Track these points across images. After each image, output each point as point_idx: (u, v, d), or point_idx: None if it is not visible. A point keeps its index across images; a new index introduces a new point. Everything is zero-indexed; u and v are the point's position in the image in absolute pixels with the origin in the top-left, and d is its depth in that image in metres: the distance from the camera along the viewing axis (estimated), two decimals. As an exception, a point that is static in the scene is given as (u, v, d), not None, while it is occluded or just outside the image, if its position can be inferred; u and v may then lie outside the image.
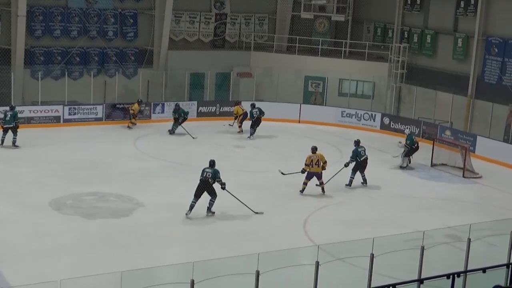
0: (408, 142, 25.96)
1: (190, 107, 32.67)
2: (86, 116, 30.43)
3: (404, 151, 26.03)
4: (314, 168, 21.76)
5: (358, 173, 23.31)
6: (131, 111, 30.30)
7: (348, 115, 33.23)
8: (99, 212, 19.37)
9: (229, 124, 30.73)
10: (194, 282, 11.40)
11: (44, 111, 29.77)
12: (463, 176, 25.34)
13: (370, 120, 32.69)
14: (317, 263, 12.53)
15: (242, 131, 30.08)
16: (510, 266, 12.61)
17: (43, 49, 32.15)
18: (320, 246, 13.12)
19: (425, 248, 13.77)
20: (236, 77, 35.59)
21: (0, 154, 24.90)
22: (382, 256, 13.24)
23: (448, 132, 29.58)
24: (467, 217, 20.03)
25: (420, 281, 12.25)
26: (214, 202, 19.43)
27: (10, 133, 25.90)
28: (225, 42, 37.36)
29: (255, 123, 29.60)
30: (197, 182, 19.49)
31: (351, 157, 23.32)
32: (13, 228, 17.78)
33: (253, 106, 29.98)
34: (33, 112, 29.30)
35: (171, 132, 29.52)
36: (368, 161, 23.46)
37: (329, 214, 20.50)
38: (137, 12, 34.11)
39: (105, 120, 30.92)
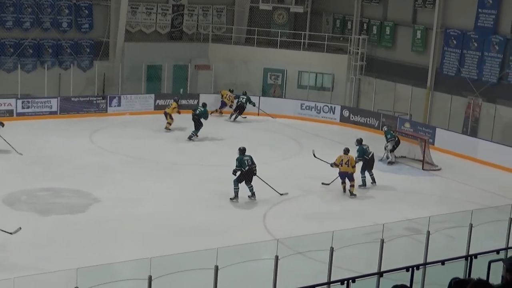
0: (388, 136, 26.07)
1: (148, 99, 32.52)
2: (40, 110, 30.05)
3: (393, 147, 26.06)
4: (344, 167, 21.68)
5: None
6: (169, 112, 29.54)
7: (307, 107, 33.35)
8: (54, 208, 19.20)
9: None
10: (152, 278, 11.35)
11: (-3, 105, 29.39)
12: (423, 169, 25.61)
13: (330, 112, 32.86)
14: (277, 257, 12.56)
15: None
16: (469, 258, 12.77)
17: (-5, 41, 31.72)
18: (279, 240, 13.16)
19: (384, 241, 13.88)
20: (194, 70, 35.46)
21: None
22: (341, 250, 13.31)
23: (407, 124, 29.87)
24: (426, 209, 20.23)
25: (380, 274, 12.34)
26: (253, 188, 20.50)
27: None
28: (183, 34, 37.19)
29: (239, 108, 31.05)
30: (155, 175, 19.40)
31: (357, 157, 22.83)
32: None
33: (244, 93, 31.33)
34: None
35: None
36: (334, 155, 23.51)
37: (289, 207, 20.58)
38: (92, 3, 33.74)
39: (60, 113, 30.58)
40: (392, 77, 32.57)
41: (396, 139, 26.26)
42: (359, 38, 34.32)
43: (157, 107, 32.49)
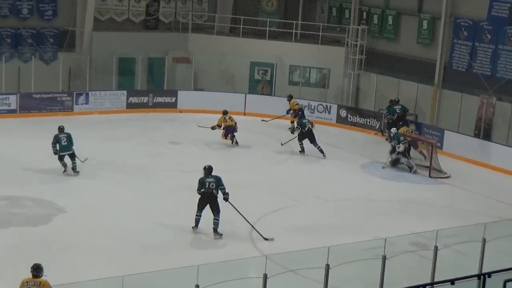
0: (401, 138, 26.09)
1: (119, 97, 32.45)
2: (-4, 108, 29.98)
3: (405, 150, 26.09)
4: (228, 122, 25.49)
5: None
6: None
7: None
8: (13, 220, 19.10)
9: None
10: (125, 300, 11.33)
11: None
12: (429, 176, 25.66)
13: (325, 112, 32.88)
14: (265, 276, 12.55)
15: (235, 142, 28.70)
16: (482, 277, 12.82)
17: None
18: (268, 256, 13.16)
19: (387, 257, 13.90)
20: (171, 63, 35.41)
21: None
22: (338, 267, 13.32)
23: (412, 126, 29.91)
24: (433, 222, 20.27)
25: (382, 294, 12.38)
26: (219, 220, 18.86)
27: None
28: (159, 23, 37.11)
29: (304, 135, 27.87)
30: (125, 181, 19.32)
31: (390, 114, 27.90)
32: None
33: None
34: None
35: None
36: (325, 159, 23.64)
37: (279, 219, 20.57)
38: (57, -13, 33.71)
39: (19, 112, 30.48)
40: (395, 73, 32.63)
41: (408, 141, 26.32)
42: (358, 28, 34.36)
43: (130, 105, 32.43)
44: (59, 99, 31.44)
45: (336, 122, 32.65)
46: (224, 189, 18.96)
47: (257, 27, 36.82)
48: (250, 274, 14.02)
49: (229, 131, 28.26)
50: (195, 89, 34.53)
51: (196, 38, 36.37)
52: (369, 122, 31.53)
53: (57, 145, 23.23)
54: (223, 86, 34.50)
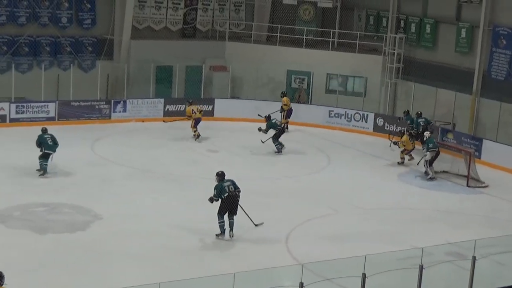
0: (430, 145, 26.01)
1: (156, 105, 32.63)
2: (36, 115, 30.22)
3: (431, 158, 26.01)
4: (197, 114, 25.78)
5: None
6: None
7: (336, 115, 33.31)
8: (51, 226, 19.25)
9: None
10: (161, 306, 11.38)
11: (-13, 109, 29.64)
12: (467, 185, 25.48)
13: (362, 121, 32.79)
14: (301, 284, 12.53)
15: (198, 135, 29.55)
16: (520, 287, 12.70)
17: (-14, 37, 32.04)
18: (304, 265, 13.13)
19: (424, 267, 13.82)
20: (209, 71, 35.54)
21: None
22: (375, 276, 13.27)
23: (450, 135, 29.75)
24: (471, 231, 20.11)
25: (419, 304, 12.31)
26: (234, 221, 19.17)
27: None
28: (196, 31, 37.32)
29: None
30: (163, 189, 19.42)
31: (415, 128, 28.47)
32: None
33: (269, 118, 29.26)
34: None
35: None
36: (360, 167, 23.57)
37: (315, 228, 20.53)
38: (96, -4, 34.04)
39: (58, 119, 30.75)
40: (433, 81, 32.45)
41: (437, 150, 26.17)
42: (396, 37, 34.27)
43: (167, 113, 32.58)
44: (97, 107, 31.69)
45: (373, 130, 32.52)
46: (240, 190, 19.22)
47: (294, 36, 36.85)
48: (286, 283, 14.01)
49: (197, 122, 29.34)
50: (232, 97, 34.62)
51: (233, 46, 36.49)
52: (430, 134, 31.27)
53: (42, 146, 23.60)
54: (259, 94, 34.53)
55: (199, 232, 19.51)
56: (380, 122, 32.54)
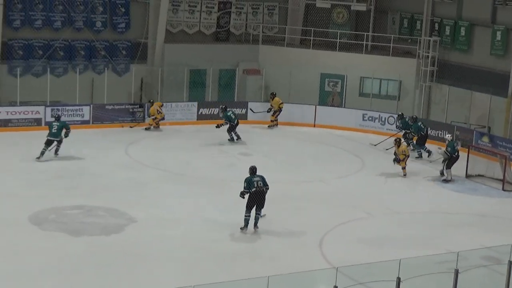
0: (449, 149, 25.89)
1: (190, 108, 32.71)
2: (70, 119, 30.39)
3: (445, 160, 25.91)
4: None
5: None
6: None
7: (370, 118, 33.18)
8: (86, 229, 19.37)
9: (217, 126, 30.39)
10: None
11: (23, 113, 29.83)
12: (503, 189, 25.27)
13: (396, 124, 32.62)
14: (336, 288, 12.51)
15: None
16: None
17: (23, 42, 32.23)
18: (338, 268, 13.10)
19: (459, 271, 13.72)
20: (242, 75, 35.58)
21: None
22: (410, 280, 13.20)
23: (485, 139, 29.51)
24: (507, 236, 19.94)
25: (454, 309, 12.23)
26: (260, 215, 19.81)
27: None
28: (230, 35, 37.38)
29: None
30: (196, 192, 19.49)
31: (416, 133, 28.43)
32: (-13, 246, 17.81)
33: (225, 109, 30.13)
34: (11, 113, 29.31)
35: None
36: (394, 171, 23.46)
37: (349, 231, 20.47)
38: (129, 0, 34.16)
39: (92, 123, 30.96)
40: (467, 85, 32.23)
41: (456, 154, 25.95)
42: (430, 40, 34.08)
43: (200, 117, 32.66)
44: (131, 110, 31.84)
45: (407, 134, 32.34)
46: (268, 187, 19.71)
47: (327, 39, 36.80)
48: (320, 286, 13.99)
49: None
50: (265, 100, 34.61)
51: (266, 50, 36.51)
52: (441, 134, 31.11)
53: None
54: (293, 97, 34.49)
55: (232, 235, 19.54)
56: (414, 125, 32.34)
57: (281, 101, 32.51)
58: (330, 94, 35.84)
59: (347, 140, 31.28)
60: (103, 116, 31.23)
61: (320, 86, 35.80)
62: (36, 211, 20.31)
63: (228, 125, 29.66)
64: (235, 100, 34.13)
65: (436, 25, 34.80)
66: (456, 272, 13.76)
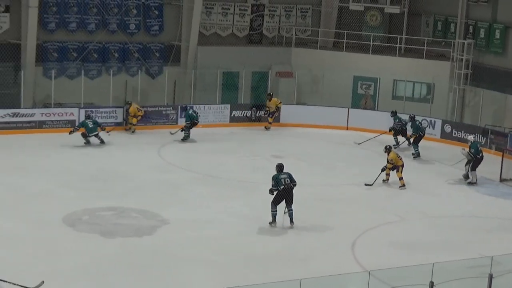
0: (472, 150, 25.73)
1: (222, 110, 32.77)
2: (104, 120, 30.58)
3: (469, 162, 25.75)
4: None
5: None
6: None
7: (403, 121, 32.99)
8: (119, 230, 19.48)
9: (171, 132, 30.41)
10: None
11: (58, 114, 30.08)
12: (538, 194, 25.08)
13: (429, 127, 32.41)
14: (368, 292, 12.47)
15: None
16: None
17: (57, 44, 32.51)
18: (371, 272, 13.05)
19: (493, 276, 13.61)
20: (275, 77, 35.59)
21: (6, 163, 25.17)
22: (443, 285, 13.12)
23: (519, 142, 29.27)
24: (542, 240, 19.79)
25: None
26: (292, 210, 20.16)
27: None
28: (263, 37, 37.43)
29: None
30: (229, 194, 19.53)
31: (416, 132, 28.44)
32: (20, 247, 17.92)
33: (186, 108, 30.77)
34: (45, 115, 29.57)
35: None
36: (426, 174, 23.32)
37: (382, 235, 20.38)
38: (163, 3, 34.35)
39: (125, 124, 31.12)
40: (502, 88, 32.01)
41: (480, 155, 25.72)
42: (464, 42, 33.88)
43: (233, 119, 32.71)
44: (164, 112, 31.97)
45: (440, 137, 32.16)
46: (295, 184, 20.26)
47: (360, 42, 36.72)
48: (352, 290, 13.96)
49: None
50: (298, 103, 34.60)
51: (299, 52, 36.51)
52: (475, 138, 30.88)
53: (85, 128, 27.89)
54: (325, 100, 34.45)
55: (263, 238, 19.55)
56: (447, 129, 32.15)
57: (279, 101, 32.49)
58: (363, 97, 35.76)
59: (380, 143, 31.09)
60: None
61: (353, 89, 35.73)
62: (70, 212, 20.46)
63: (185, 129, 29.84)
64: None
65: (471, 28, 34.59)
66: (490, 277, 13.65)
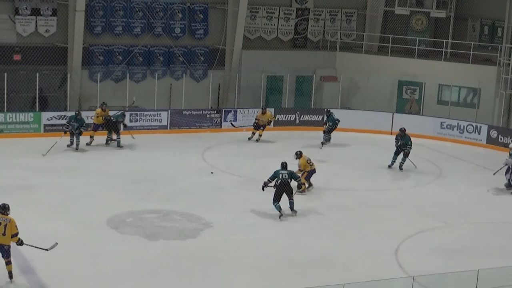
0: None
1: (266, 114, 32.81)
2: (149, 123, 30.86)
3: (508, 170, 25.40)
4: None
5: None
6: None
7: (448, 126, 32.79)
8: (162, 233, 19.57)
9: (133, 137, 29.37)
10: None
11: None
12: None
13: (475, 132, 32.17)
14: (411, 298, 12.40)
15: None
16: None
17: (103, 47, 32.82)
18: (415, 277, 12.97)
19: (539, 283, 13.48)
20: (319, 81, 35.55)
21: (52, 165, 25.46)
22: (488, 292, 13.01)
23: None
24: None
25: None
26: (293, 200, 21.36)
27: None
28: (307, 41, 37.40)
29: None
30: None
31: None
32: (66, 248, 18.07)
33: None
34: (91, 118, 29.80)
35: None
36: (472, 180, 23.11)
37: (425, 240, 20.23)
38: (208, 7, 34.49)
39: (170, 128, 31.30)
40: (549, 93, 31.64)
41: None
42: (511, 47, 33.52)
43: (277, 123, 32.69)
44: (208, 116, 32.10)
45: (486, 142, 31.86)
46: (300, 179, 22.10)
47: (406, 46, 36.54)
48: (395, 295, 13.88)
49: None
50: (342, 107, 34.51)
51: (344, 56, 36.43)
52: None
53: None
54: (370, 104, 34.32)
55: (306, 242, 19.52)
56: (494, 134, 31.84)
57: (273, 116, 31.50)
58: (407, 101, 35.56)
59: (424, 148, 30.94)
60: (180, 121, 31.55)
61: (397, 93, 35.55)
62: (114, 214, 20.62)
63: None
64: (312, 107, 34.10)
65: (518, 32, 34.26)
66: (536, 284, 13.52)
